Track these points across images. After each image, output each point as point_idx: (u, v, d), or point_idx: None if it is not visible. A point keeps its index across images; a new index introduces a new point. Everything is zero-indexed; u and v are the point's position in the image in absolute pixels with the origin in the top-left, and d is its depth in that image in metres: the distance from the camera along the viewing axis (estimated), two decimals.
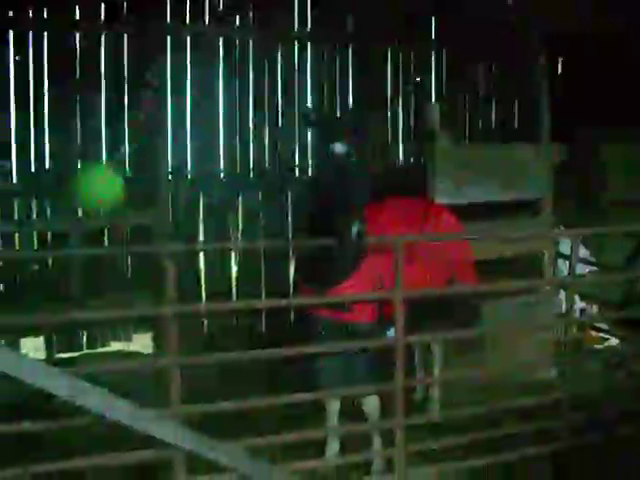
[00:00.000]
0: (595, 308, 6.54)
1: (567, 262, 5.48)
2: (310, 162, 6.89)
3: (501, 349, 5.35)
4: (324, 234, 3.54)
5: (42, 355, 6.08)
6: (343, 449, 4.30)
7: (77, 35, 6.19)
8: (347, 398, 4.20)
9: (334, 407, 4.21)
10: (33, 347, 6.41)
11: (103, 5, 6.25)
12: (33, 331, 5.98)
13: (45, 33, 6.08)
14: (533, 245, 5.76)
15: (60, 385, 2.97)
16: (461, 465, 3.99)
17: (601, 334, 6.11)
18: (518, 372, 5.34)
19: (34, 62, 6.07)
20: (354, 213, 3.45)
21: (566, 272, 5.88)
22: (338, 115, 7.02)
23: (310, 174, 6.83)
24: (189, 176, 6.63)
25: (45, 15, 6.08)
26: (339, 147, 3.63)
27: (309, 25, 6.99)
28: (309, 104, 6.81)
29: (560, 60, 8.07)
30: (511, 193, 5.59)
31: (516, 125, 8.03)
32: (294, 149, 6.98)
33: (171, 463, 3.33)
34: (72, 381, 2.99)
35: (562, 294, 6.01)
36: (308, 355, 3.87)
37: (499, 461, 4.03)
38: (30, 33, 6.04)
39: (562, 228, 6.44)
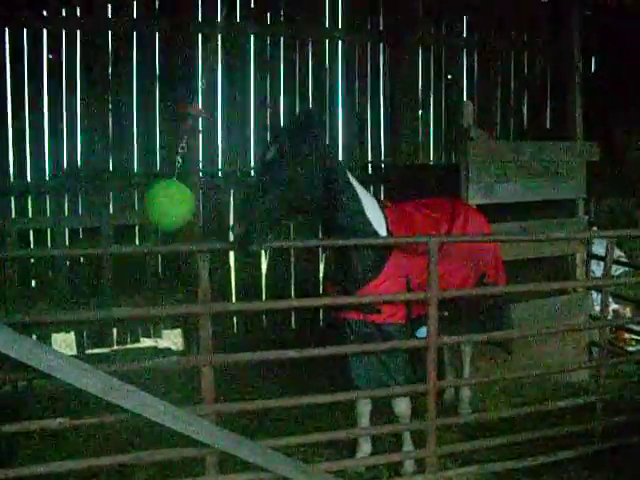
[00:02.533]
0: (629, 309, 6.45)
1: (600, 263, 5.42)
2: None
3: (531, 350, 5.30)
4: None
5: (73, 351, 6.14)
6: (374, 450, 4.28)
7: (109, 34, 6.24)
8: (378, 399, 4.18)
9: (365, 408, 4.19)
10: (64, 343, 6.48)
11: (135, 4, 6.29)
12: (64, 327, 6.03)
13: (78, 32, 6.14)
14: (565, 246, 5.68)
15: (93, 383, 2.98)
16: (492, 467, 3.95)
17: (634, 336, 6.03)
18: (550, 374, 5.27)
19: (67, 60, 6.13)
20: (239, 217, 3.43)
21: (599, 273, 5.82)
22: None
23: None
24: (220, 174, 6.65)
25: (78, 14, 6.14)
26: (268, 152, 3.55)
27: (340, 23, 6.97)
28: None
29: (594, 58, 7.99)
30: (544, 193, 5.51)
31: (548, 123, 7.95)
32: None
33: (203, 461, 3.34)
34: (105, 379, 3.00)
35: (595, 295, 5.94)
36: (340, 356, 3.85)
37: (531, 464, 3.98)
38: (63, 32, 6.10)
39: (595, 229, 6.36)
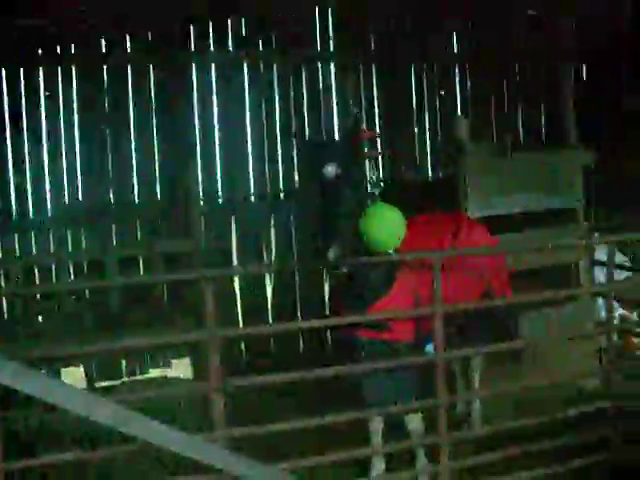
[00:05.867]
0: (635, 314, 6.44)
1: (603, 269, 5.43)
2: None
3: (540, 360, 5.29)
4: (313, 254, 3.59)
5: (82, 385, 6.13)
6: (388, 468, 4.27)
7: (104, 68, 6.30)
8: (390, 417, 4.18)
9: (377, 426, 4.18)
10: (73, 377, 6.47)
11: (128, 38, 6.37)
12: (73, 361, 6.02)
13: (73, 68, 6.20)
14: (568, 254, 5.69)
15: (104, 414, 2.99)
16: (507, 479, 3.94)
17: None
18: (559, 382, 5.26)
19: (63, 96, 6.19)
20: (335, 237, 3.47)
21: (603, 279, 5.82)
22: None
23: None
24: (220, 200, 6.70)
25: (72, 51, 6.20)
26: (330, 170, 3.63)
27: (332, 45, 7.04)
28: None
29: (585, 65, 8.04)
30: (543, 202, 5.53)
31: (543, 131, 7.99)
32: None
33: None
34: (116, 409, 3.01)
35: (600, 301, 5.94)
36: (351, 375, 3.86)
37: (546, 473, 3.96)
38: (59, 69, 6.16)
39: (597, 235, 6.37)
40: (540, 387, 5.07)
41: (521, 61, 7.87)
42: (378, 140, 6.25)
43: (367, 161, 3.93)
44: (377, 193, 3.94)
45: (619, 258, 5.95)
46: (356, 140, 3.94)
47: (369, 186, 3.90)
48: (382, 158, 7.05)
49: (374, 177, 3.97)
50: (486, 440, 4.42)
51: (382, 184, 3.98)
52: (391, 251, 3.79)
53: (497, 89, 7.81)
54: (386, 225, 3.67)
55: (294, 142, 6.53)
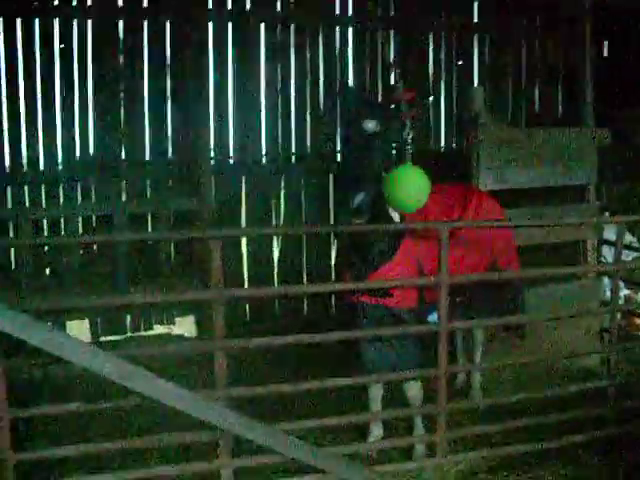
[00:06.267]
0: None
1: (611, 248, 5.42)
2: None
3: (543, 336, 5.30)
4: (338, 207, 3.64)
5: (87, 338, 6.20)
6: (385, 434, 4.32)
7: (120, 22, 6.26)
8: (389, 383, 4.22)
9: (377, 392, 4.22)
10: (78, 330, 6.53)
11: None
12: (78, 314, 6.08)
13: (89, 21, 6.16)
14: (577, 232, 5.68)
15: (108, 367, 3.02)
16: (502, 451, 3.98)
17: None
18: (561, 359, 5.28)
19: (78, 50, 6.16)
20: (363, 186, 3.51)
21: (610, 259, 5.81)
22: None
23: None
24: (232, 161, 6.69)
25: (89, 3, 6.16)
26: (370, 125, 3.66)
27: (350, 8, 6.97)
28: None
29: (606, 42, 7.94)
30: (556, 179, 5.51)
31: (560, 108, 7.92)
32: (335, 132, 7.00)
33: (216, 445, 3.38)
34: (120, 364, 3.04)
35: (606, 281, 5.94)
36: (351, 340, 3.89)
37: (541, 449, 4.00)
38: (74, 21, 6.12)
39: (607, 214, 6.35)
40: (541, 363, 5.12)
41: (541, 35, 7.77)
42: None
43: (405, 121, 3.98)
44: (410, 153, 3.97)
45: (628, 238, 5.94)
46: (396, 100, 3.99)
47: (403, 146, 3.95)
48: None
49: (409, 138, 3.98)
50: (484, 413, 4.47)
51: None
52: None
53: (516, 62, 7.73)
54: (411, 187, 3.67)
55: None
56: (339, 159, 6.70)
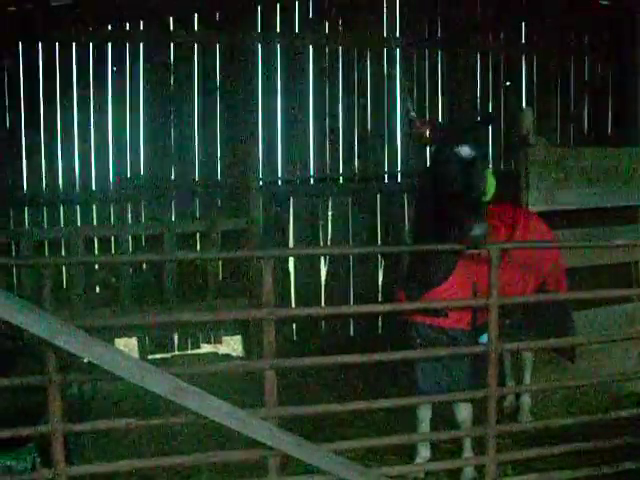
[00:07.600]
0: None
1: None
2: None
3: (594, 359, 5.22)
4: (442, 231, 3.62)
5: (135, 355, 6.27)
6: (433, 456, 4.28)
7: (171, 45, 6.39)
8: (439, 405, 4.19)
9: (425, 413, 4.19)
10: (126, 347, 6.63)
11: (196, 16, 6.44)
12: (127, 332, 6.16)
13: (141, 45, 6.31)
14: (629, 253, 5.59)
15: (159, 384, 3.05)
16: (552, 475, 3.90)
17: None
18: (611, 383, 5.18)
19: (130, 73, 6.31)
20: (480, 215, 3.50)
21: None
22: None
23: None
24: (279, 182, 6.75)
25: (141, 27, 6.31)
26: (466, 151, 3.67)
27: (398, 30, 7.01)
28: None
29: None
30: (606, 199, 5.44)
31: (610, 129, 7.83)
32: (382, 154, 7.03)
33: (265, 464, 3.39)
34: (170, 380, 3.08)
35: None
36: (404, 361, 3.88)
37: (592, 474, 3.92)
38: (127, 45, 6.27)
39: None
40: (591, 387, 5.02)
41: (589, 56, 7.71)
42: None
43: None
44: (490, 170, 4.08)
45: None
46: (418, 133, 4.02)
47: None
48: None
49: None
50: (532, 436, 4.41)
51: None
52: None
53: (564, 83, 7.67)
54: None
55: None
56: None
